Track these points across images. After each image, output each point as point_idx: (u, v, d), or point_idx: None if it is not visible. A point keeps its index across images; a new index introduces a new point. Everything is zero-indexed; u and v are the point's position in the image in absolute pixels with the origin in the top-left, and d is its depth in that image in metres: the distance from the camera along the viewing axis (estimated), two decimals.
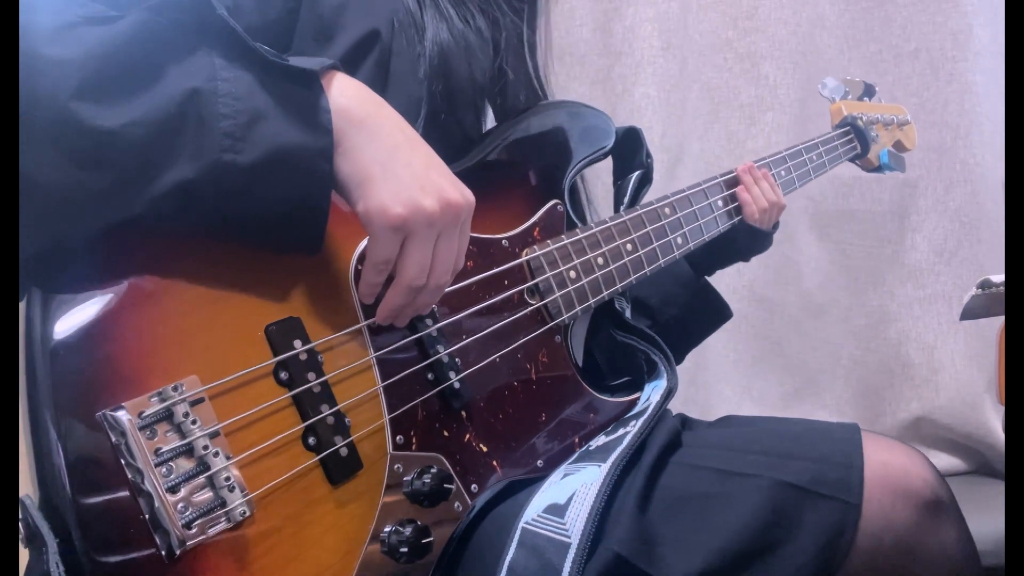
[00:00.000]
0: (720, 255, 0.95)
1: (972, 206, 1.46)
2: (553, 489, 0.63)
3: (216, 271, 0.54)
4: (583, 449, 0.71)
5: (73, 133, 0.47)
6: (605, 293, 0.77)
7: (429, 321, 0.65)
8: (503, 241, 0.73)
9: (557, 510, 0.60)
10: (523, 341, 0.71)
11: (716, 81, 1.47)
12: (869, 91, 1.18)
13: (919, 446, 1.48)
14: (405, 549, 0.57)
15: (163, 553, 0.49)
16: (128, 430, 0.48)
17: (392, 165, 0.55)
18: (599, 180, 0.93)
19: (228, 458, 0.52)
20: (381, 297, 0.60)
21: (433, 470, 0.61)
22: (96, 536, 0.48)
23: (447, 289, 0.62)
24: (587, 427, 0.75)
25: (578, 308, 0.75)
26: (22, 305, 0.51)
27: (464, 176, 0.60)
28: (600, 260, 0.77)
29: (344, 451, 0.57)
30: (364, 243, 0.62)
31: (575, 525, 0.58)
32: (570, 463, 0.68)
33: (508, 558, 0.59)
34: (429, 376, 0.64)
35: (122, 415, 0.48)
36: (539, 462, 0.70)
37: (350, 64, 0.67)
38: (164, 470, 0.49)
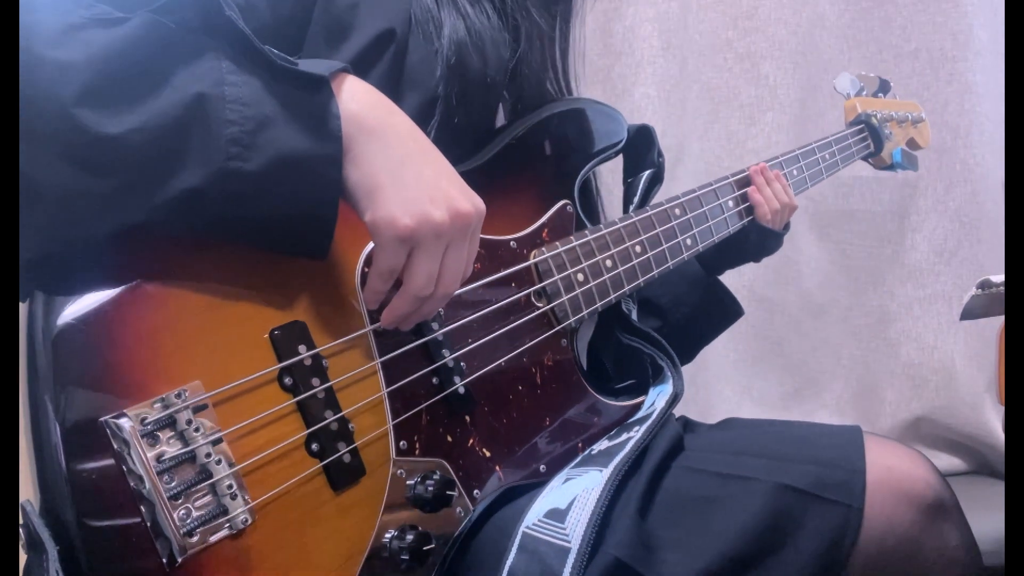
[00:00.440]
0: (731, 255, 0.95)
1: (972, 206, 1.46)
2: (554, 493, 0.63)
3: (221, 275, 0.54)
4: (585, 453, 0.71)
5: (77, 138, 0.47)
6: (613, 296, 0.77)
7: (435, 325, 0.64)
8: (511, 242, 0.72)
9: (558, 515, 0.60)
10: (529, 345, 0.71)
11: (716, 81, 1.47)
12: (884, 87, 1.17)
13: (919, 446, 1.48)
14: (406, 556, 0.57)
15: (164, 561, 0.49)
16: (130, 437, 0.48)
17: (402, 174, 0.55)
18: (612, 176, 0.92)
19: (231, 465, 0.52)
20: (386, 303, 0.60)
21: (436, 475, 0.60)
22: (97, 543, 0.48)
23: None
24: (590, 431, 0.74)
25: (585, 312, 0.74)
26: (25, 308, 0.51)
27: (473, 175, 0.60)
28: (609, 262, 0.76)
29: (347, 457, 0.57)
30: (371, 246, 0.61)
31: (575, 530, 0.58)
32: (572, 467, 0.68)
33: (508, 562, 0.59)
34: (434, 381, 0.64)
35: (124, 422, 0.48)
36: (541, 466, 0.70)
37: (364, 64, 0.66)
38: (166, 478, 0.49)
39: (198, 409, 0.51)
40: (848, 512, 0.59)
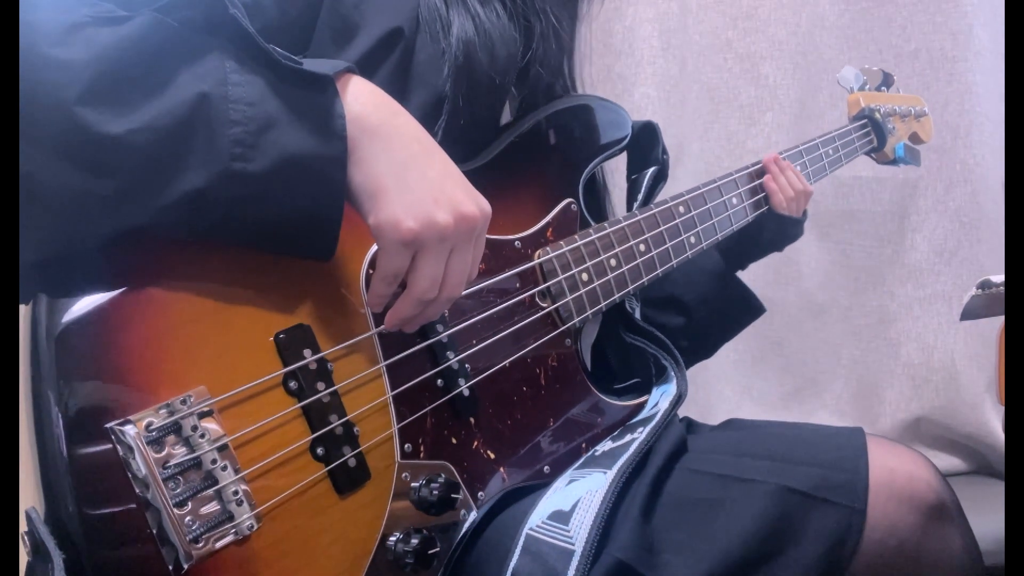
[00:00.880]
0: (753, 248, 0.96)
1: (972, 206, 1.46)
2: (558, 495, 0.63)
3: (225, 278, 0.54)
4: (589, 454, 0.71)
5: (78, 138, 0.46)
6: (617, 296, 0.76)
7: (440, 327, 0.64)
8: (515, 242, 0.72)
9: (562, 517, 0.60)
10: (533, 345, 0.71)
11: (716, 81, 1.47)
12: (887, 80, 1.16)
13: (919, 446, 1.48)
14: (411, 559, 0.57)
15: (171, 567, 0.48)
16: (135, 444, 0.48)
17: (406, 177, 0.54)
18: (612, 174, 0.92)
19: (236, 471, 0.51)
20: (390, 305, 0.59)
21: (440, 478, 0.60)
22: (102, 551, 0.48)
23: None
24: (594, 431, 0.74)
25: (589, 312, 0.74)
26: (28, 311, 0.51)
27: (477, 174, 0.59)
28: (613, 262, 0.76)
29: (352, 461, 0.57)
30: (375, 248, 0.61)
31: (579, 532, 0.58)
32: (576, 468, 0.68)
33: (512, 564, 0.59)
34: (439, 383, 0.64)
35: (129, 428, 0.48)
36: (545, 467, 0.70)
37: (371, 63, 0.66)
38: (172, 484, 0.49)
39: (203, 415, 0.51)
40: (851, 514, 0.60)
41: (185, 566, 0.49)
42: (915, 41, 1.46)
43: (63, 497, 0.48)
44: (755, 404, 1.54)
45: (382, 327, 0.60)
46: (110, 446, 0.48)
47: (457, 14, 0.70)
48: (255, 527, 0.52)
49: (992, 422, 1.43)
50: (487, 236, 0.65)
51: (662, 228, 0.80)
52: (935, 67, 1.45)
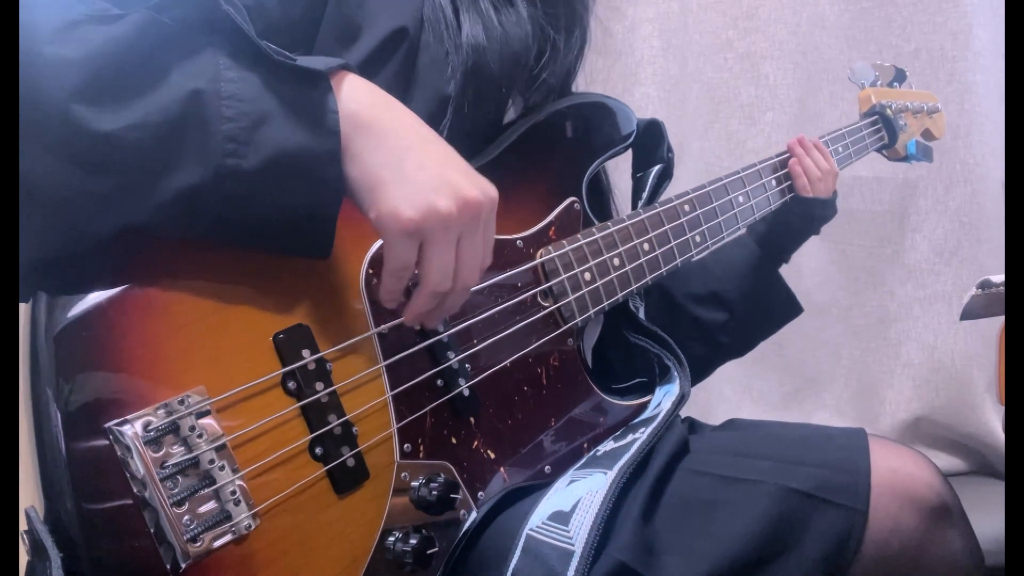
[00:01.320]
0: (786, 234, 0.96)
1: (972, 206, 1.46)
2: (559, 495, 0.63)
3: (223, 278, 0.54)
4: (591, 454, 0.71)
5: (73, 135, 0.46)
6: (620, 295, 0.76)
7: (440, 327, 0.64)
8: (517, 241, 0.72)
9: (562, 517, 0.60)
10: (535, 345, 0.71)
11: (716, 81, 1.47)
12: (900, 76, 1.15)
13: (919, 446, 1.48)
14: (410, 559, 0.57)
15: (168, 567, 0.48)
16: (133, 444, 0.48)
17: (403, 168, 0.53)
18: (616, 173, 0.92)
19: (234, 471, 0.51)
20: (402, 303, 0.58)
21: (440, 478, 0.60)
22: (100, 550, 0.47)
23: None
24: (596, 431, 0.74)
25: (592, 311, 0.74)
26: (27, 311, 0.51)
27: (481, 172, 0.59)
28: (616, 261, 0.76)
29: (351, 461, 0.57)
30: (375, 247, 0.61)
31: (579, 533, 0.57)
32: (577, 468, 0.68)
33: (512, 565, 0.58)
34: (439, 383, 0.64)
35: (127, 428, 0.48)
36: (546, 467, 0.70)
37: (375, 63, 0.66)
38: (169, 484, 0.49)
39: (201, 414, 0.51)
40: (853, 515, 0.59)
41: (183, 565, 0.48)
42: (915, 41, 1.45)
43: (62, 496, 0.48)
44: (755, 404, 1.54)
45: (382, 327, 0.60)
46: (108, 445, 0.48)
47: (468, 17, 0.70)
48: (253, 526, 0.51)
49: (992, 422, 1.43)
50: None
51: (666, 227, 0.80)
52: (935, 67, 1.45)
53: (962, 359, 1.45)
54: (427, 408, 0.62)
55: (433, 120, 0.67)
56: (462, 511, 0.63)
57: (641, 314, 0.83)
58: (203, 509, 0.50)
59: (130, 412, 0.48)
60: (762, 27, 1.45)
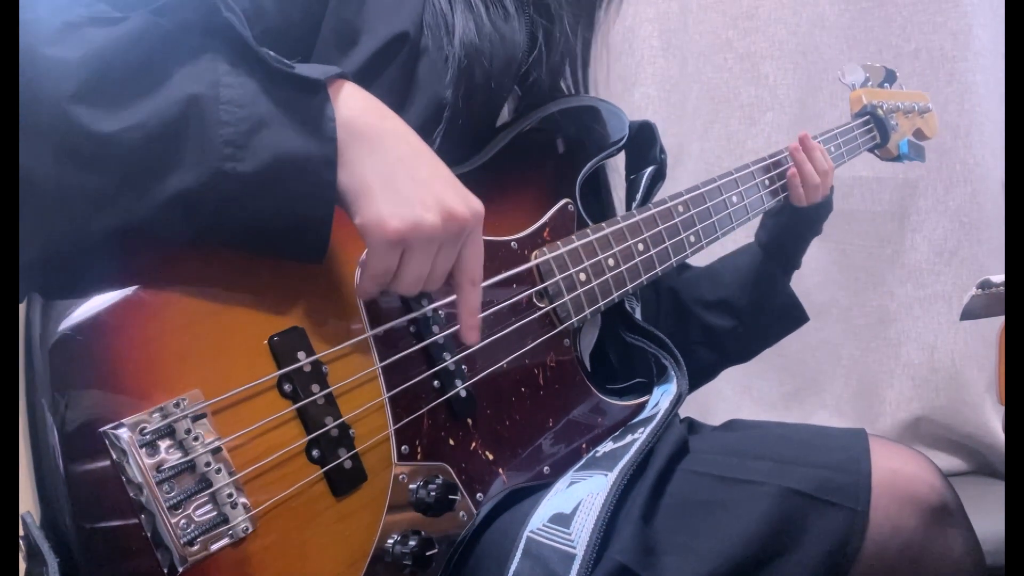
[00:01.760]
0: (789, 240, 0.96)
1: (972, 206, 1.45)
2: (559, 497, 0.63)
3: (219, 282, 0.54)
4: (590, 455, 0.70)
5: (71, 135, 0.47)
6: (615, 295, 0.76)
7: (436, 328, 0.64)
8: (512, 243, 0.72)
9: (563, 519, 0.60)
10: (531, 346, 0.70)
11: (716, 81, 1.47)
12: (890, 77, 1.15)
13: (919, 446, 1.48)
14: (409, 561, 0.57)
15: (165, 571, 0.48)
16: (129, 447, 0.48)
17: (393, 178, 0.54)
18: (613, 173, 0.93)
19: (231, 474, 0.51)
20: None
21: (438, 480, 0.60)
22: (97, 555, 0.47)
23: (453, 296, 0.62)
24: (594, 431, 0.74)
25: (588, 312, 0.74)
26: (22, 313, 0.51)
27: (474, 174, 0.59)
28: (611, 261, 0.76)
29: (348, 463, 0.56)
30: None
31: (580, 536, 0.57)
32: (576, 470, 0.68)
33: (513, 567, 0.58)
34: (435, 384, 0.63)
35: (123, 432, 0.48)
36: (545, 468, 0.69)
37: (375, 68, 0.66)
38: (166, 487, 0.49)
39: (197, 418, 0.50)
40: (853, 516, 0.59)
41: (180, 569, 0.48)
42: (915, 41, 1.45)
43: (58, 502, 0.48)
44: (755, 404, 1.54)
45: (378, 329, 0.60)
46: (104, 450, 0.48)
47: (461, 15, 0.70)
48: (250, 529, 0.51)
49: (992, 422, 1.43)
50: (483, 237, 0.65)
51: (660, 227, 0.80)
52: (935, 67, 1.45)
53: (962, 359, 1.45)
54: (424, 409, 0.62)
55: (430, 124, 0.67)
56: (461, 512, 0.62)
57: (637, 314, 0.83)
58: (200, 513, 0.50)
59: (126, 416, 0.48)
60: (762, 27, 1.45)
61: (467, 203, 0.57)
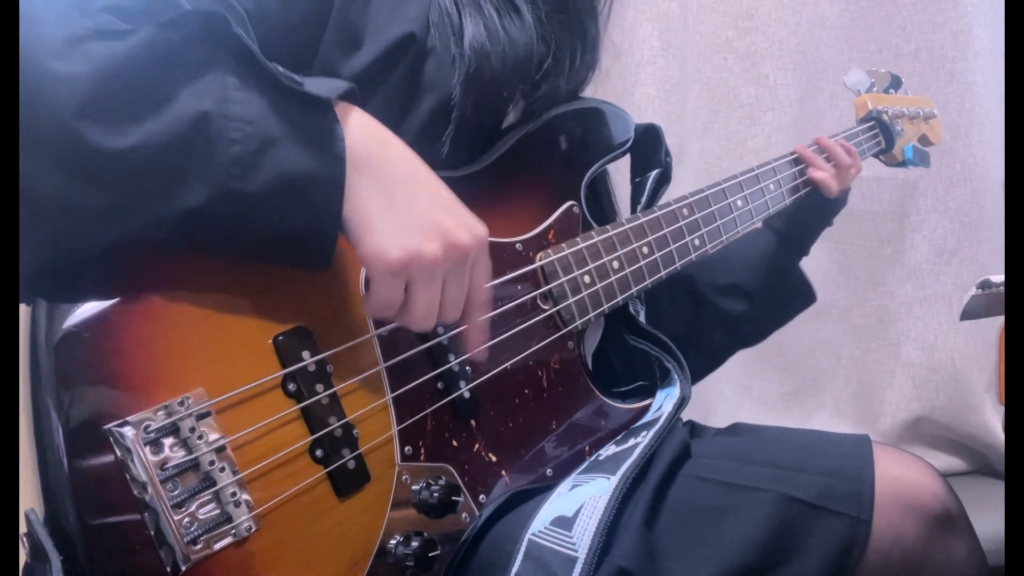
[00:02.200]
0: (806, 228, 0.98)
1: (972, 206, 1.45)
2: (561, 500, 0.63)
3: (224, 281, 0.54)
4: (593, 458, 0.70)
5: (76, 151, 0.46)
6: (620, 298, 0.76)
7: (440, 329, 0.63)
8: (516, 245, 0.72)
9: (565, 523, 0.59)
10: (535, 348, 0.70)
11: (716, 81, 1.47)
12: (896, 83, 1.16)
13: (919, 446, 1.48)
14: (411, 562, 0.57)
15: (168, 569, 0.48)
16: (133, 445, 0.48)
17: (394, 207, 0.54)
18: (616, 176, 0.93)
19: (235, 473, 0.51)
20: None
21: (441, 481, 0.60)
22: (100, 552, 0.47)
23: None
24: (597, 434, 0.74)
25: (592, 314, 0.74)
26: (28, 313, 0.50)
27: (479, 177, 0.58)
28: (615, 264, 0.75)
29: (352, 463, 0.56)
30: None
31: (582, 539, 0.57)
32: (579, 473, 0.67)
33: (514, 570, 0.58)
34: (439, 385, 0.63)
35: (127, 430, 0.48)
36: (548, 471, 0.69)
37: (381, 70, 0.65)
38: (170, 485, 0.49)
39: (201, 416, 0.50)
40: (856, 524, 0.59)
41: (183, 568, 0.48)
42: (915, 41, 1.45)
43: (62, 499, 0.48)
44: (755, 404, 1.54)
45: (382, 329, 0.60)
46: (108, 447, 0.48)
47: (471, 19, 0.69)
48: (253, 528, 0.51)
49: (992, 422, 1.43)
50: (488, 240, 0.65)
51: (665, 230, 0.80)
52: (935, 67, 1.45)
53: (962, 359, 1.45)
54: (428, 410, 0.62)
55: (437, 127, 0.67)
56: (464, 514, 0.62)
57: (641, 317, 0.83)
58: (203, 511, 0.50)
59: (130, 414, 0.48)
60: (762, 27, 1.45)
61: (469, 229, 0.56)
